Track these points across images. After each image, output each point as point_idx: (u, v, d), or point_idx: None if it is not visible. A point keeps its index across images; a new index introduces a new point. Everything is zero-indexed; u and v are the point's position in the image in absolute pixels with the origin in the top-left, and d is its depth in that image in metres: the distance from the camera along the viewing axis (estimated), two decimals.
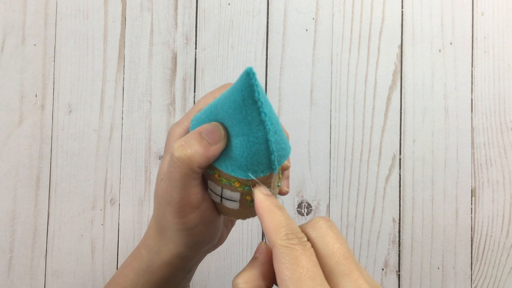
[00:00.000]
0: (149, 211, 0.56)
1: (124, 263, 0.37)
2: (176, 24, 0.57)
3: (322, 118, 0.57)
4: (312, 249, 0.24)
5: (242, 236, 0.56)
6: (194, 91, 0.57)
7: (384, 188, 0.56)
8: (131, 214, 0.56)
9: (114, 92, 0.57)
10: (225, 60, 0.57)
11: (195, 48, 0.57)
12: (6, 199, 0.56)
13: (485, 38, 0.57)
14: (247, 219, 0.35)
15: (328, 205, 0.56)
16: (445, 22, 0.57)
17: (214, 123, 0.29)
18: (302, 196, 0.56)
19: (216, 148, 0.28)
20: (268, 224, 0.26)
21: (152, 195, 0.56)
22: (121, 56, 0.57)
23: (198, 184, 0.30)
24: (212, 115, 0.29)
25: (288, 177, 0.34)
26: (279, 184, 0.32)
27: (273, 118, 0.27)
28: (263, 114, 0.26)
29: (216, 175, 0.30)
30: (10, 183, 0.56)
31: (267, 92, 0.57)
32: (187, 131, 0.32)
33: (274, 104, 0.57)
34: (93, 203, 0.56)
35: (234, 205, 0.31)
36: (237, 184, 0.29)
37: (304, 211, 0.56)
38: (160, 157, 0.56)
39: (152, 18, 0.57)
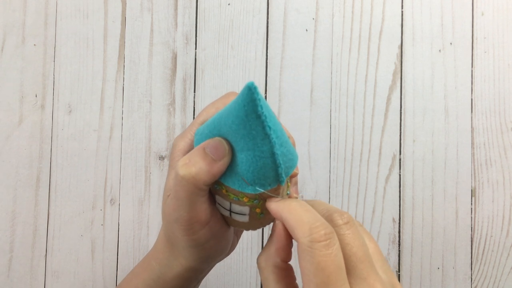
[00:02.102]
0: (149, 211, 0.56)
1: (132, 273, 0.36)
2: (176, 24, 0.57)
3: (322, 118, 0.57)
4: (338, 243, 0.24)
5: (242, 236, 0.56)
6: (194, 91, 0.57)
7: (384, 188, 0.56)
8: (131, 214, 0.56)
9: (114, 92, 0.57)
10: (225, 60, 0.57)
11: (195, 48, 0.57)
12: (6, 199, 0.56)
13: (485, 38, 0.57)
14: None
15: None
16: (445, 22, 0.57)
17: (217, 138, 0.28)
18: (302, 196, 0.56)
19: (221, 165, 0.28)
20: (290, 223, 0.25)
21: (152, 195, 0.56)
22: (121, 56, 0.57)
23: (205, 201, 0.29)
24: (216, 129, 0.29)
25: (296, 183, 0.34)
26: (288, 192, 0.31)
27: (278, 130, 0.27)
28: (267, 128, 0.26)
29: (224, 191, 0.30)
30: (10, 183, 0.56)
31: (267, 92, 0.57)
32: (190, 144, 0.32)
33: (274, 104, 0.57)
34: (93, 203, 0.56)
35: (244, 219, 0.31)
36: (245, 199, 0.29)
37: None
38: (160, 157, 0.56)
39: (152, 18, 0.57)
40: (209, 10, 0.58)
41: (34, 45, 0.57)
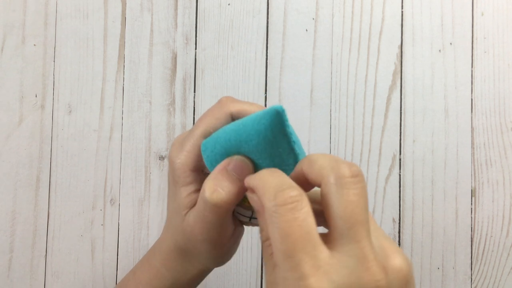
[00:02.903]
0: (149, 211, 0.56)
1: (137, 280, 0.36)
2: (176, 24, 0.57)
3: (322, 118, 0.57)
4: (308, 206, 0.22)
5: (242, 238, 0.56)
6: (194, 91, 0.57)
7: (384, 188, 0.56)
8: (131, 214, 0.56)
9: (114, 92, 0.57)
10: (225, 60, 0.57)
11: (195, 48, 0.57)
12: (6, 199, 0.56)
13: (485, 38, 0.57)
14: None
15: None
16: (445, 22, 0.57)
17: (240, 158, 0.28)
18: None
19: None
20: (256, 188, 0.24)
21: (152, 195, 0.56)
22: (121, 56, 0.57)
23: (231, 217, 0.30)
24: (233, 148, 0.28)
25: None
26: None
27: (297, 141, 0.28)
28: (292, 143, 0.27)
29: (247, 203, 0.31)
30: (10, 183, 0.56)
31: (267, 92, 0.57)
32: (192, 158, 0.30)
33: (274, 104, 0.57)
34: (93, 203, 0.56)
35: None
36: None
37: None
38: (160, 157, 0.56)
39: (152, 18, 0.57)
40: (209, 10, 0.58)
41: (34, 45, 0.57)
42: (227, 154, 0.29)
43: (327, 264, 0.21)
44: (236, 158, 0.28)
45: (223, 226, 0.29)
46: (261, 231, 0.25)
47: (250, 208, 0.31)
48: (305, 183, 0.25)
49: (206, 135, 0.30)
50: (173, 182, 0.31)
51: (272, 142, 0.27)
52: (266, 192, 0.23)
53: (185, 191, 0.30)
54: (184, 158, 0.30)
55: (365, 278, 0.21)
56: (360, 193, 0.22)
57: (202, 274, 0.34)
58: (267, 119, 0.26)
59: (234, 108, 0.31)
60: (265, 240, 0.24)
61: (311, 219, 0.22)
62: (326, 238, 0.23)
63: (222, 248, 0.31)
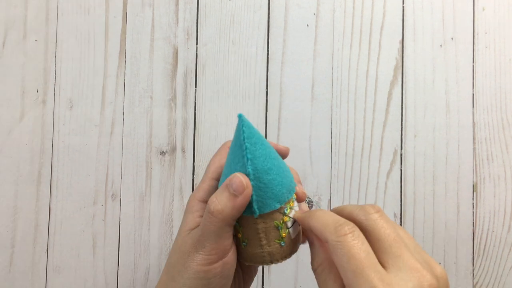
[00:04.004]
0: (150, 206, 0.56)
1: None
2: (177, 19, 0.57)
3: (323, 113, 0.57)
4: (362, 235, 0.27)
5: None
6: (195, 87, 0.57)
7: (386, 183, 0.56)
8: (132, 210, 0.56)
9: (115, 88, 0.57)
10: (226, 55, 0.57)
11: (196, 44, 0.57)
12: (7, 194, 0.56)
13: (486, 33, 0.57)
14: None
15: (330, 200, 0.56)
16: (446, 17, 0.57)
17: (235, 174, 0.31)
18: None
19: (242, 198, 0.31)
20: (315, 227, 0.29)
21: (153, 190, 0.56)
22: (122, 52, 0.57)
23: (229, 236, 0.32)
24: (227, 169, 0.33)
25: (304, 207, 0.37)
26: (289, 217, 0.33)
27: (259, 164, 0.30)
28: (244, 144, 0.30)
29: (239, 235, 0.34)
30: (12, 178, 0.56)
31: (268, 87, 0.57)
32: (203, 192, 0.35)
33: (275, 99, 0.57)
34: (94, 199, 0.56)
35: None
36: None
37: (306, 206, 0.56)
38: (161, 153, 0.56)
39: (153, 13, 0.58)
40: (210, 6, 0.58)
41: (36, 40, 0.57)
42: (229, 173, 0.32)
43: (388, 277, 0.25)
44: (233, 175, 0.31)
45: (217, 238, 0.31)
46: (313, 260, 0.30)
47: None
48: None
49: (216, 173, 0.36)
50: (184, 214, 0.36)
51: (236, 143, 0.31)
52: (327, 229, 0.28)
53: (192, 216, 0.34)
54: (195, 191, 0.36)
55: (424, 284, 0.25)
56: (386, 218, 0.29)
57: None
58: (237, 125, 0.31)
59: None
60: (317, 267, 0.29)
61: (367, 243, 0.27)
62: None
63: (211, 266, 0.32)
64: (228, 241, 0.32)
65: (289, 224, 0.32)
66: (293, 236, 0.33)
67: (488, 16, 0.57)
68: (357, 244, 0.26)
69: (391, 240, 0.27)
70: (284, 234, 0.32)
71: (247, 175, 0.30)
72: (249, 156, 0.30)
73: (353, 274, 0.25)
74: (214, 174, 0.36)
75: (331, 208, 0.56)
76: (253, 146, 0.30)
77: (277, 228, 0.32)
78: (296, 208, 0.34)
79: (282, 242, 0.32)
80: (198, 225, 0.33)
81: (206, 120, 0.57)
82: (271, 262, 0.33)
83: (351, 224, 0.28)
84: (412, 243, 0.29)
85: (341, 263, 0.26)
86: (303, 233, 0.34)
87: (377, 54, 0.57)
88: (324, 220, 0.29)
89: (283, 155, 0.37)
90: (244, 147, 0.30)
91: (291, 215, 0.32)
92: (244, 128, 0.30)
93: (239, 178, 0.31)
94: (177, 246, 0.34)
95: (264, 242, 0.32)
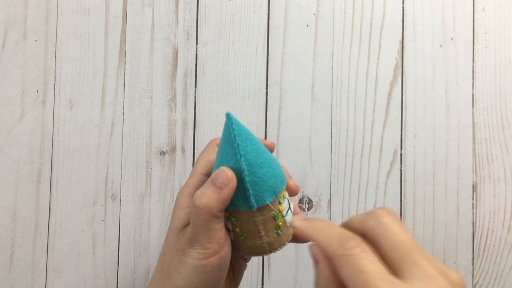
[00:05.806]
0: (150, 206, 0.56)
1: None
2: (177, 19, 0.57)
3: (323, 113, 0.57)
4: (369, 249, 0.26)
5: None
6: (195, 87, 0.57)
7: (385, 184, 0.56)
8: (132, 210, 0.56)
9: (115, 88, 0.57)
10: (226, 55, 0.57)
11: (196, 44, 0.57)
12: (7, 194, 0.56)
13: (486, 33, 0.57)
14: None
15: (330, 201, 0.56)
16: (446, 17, 0.57)
17: (221, 168, 0.32)
18: (303, 192, 0.56)
19: (227, 191, 0.31)
20: (319, 242, 0.28)
21: (153, 190, 0.56)
22: (122, 52, 0.57)
23: (221, 229, 0.32)
24: (218, 162, 0.33)
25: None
26: (287, 213, 0.34)
27: (252, 158, 0.31)
28: (238, 155, 0.30)
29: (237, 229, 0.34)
30: (11, 178, 0.56)
31: (268, 87, 0.57)
32: (192, 188, 0.35)
33: (275, 100, 0.57)
34: (94, 199, 0.56)
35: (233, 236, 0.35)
36: (226, 214, 0.33)
37: (305, 206, 0.56)
38: (161, 153, 0.56)
39: (153, 13, 0.58)
40: (210, 6, 0.58)
41: (35, 40, 0.57)
42: (217, 167, 0.33)
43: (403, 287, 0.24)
44: (219, 169, 0.32)
45: (208, 232, 0.32)
46: (319, 278, 0.29)
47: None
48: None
49: (205, 169, 0.36)
50: (174, 210, 0.36)
51: (226, 141, 0.31)
52: (331, 244, 0.27)
53: (182, 212, 0.34)
54: (184, 187, 0.36)
55: None
56: (399, 223, 0.27)
57: None
58: (225, 123, 0.32)
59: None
60: (324, 286, 0.28)
61: (375, 256, 0.26)
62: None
63: (208, 260, 0.32)
64: (221, 233, 0.32)
65: (284, 213, 0.33)
66: (288, 224, 0.34)
67: (488, 16, 0.57)
68: (365, 256, 0.25)
69: (406, 247, 0.26)
70: (280, 223, 0.33)
71: (242, 171, 0.31)
72: (242, 152, 0.31)
73: None
74: (203, 170, 0.36)
75: (331, 208, 0.56)
76: (244, 142, 0.31)
77: (274, 218, 0.33)
78: (289, 200, 0.35)
79: (279, 231, 0.33)
80: (189, 221, 0.34)
81: (206, 120, 0.57)
82: (270, 252, 0.34)
83: (357, 237, 0.27)
84: (422, 251, 0.28)
85: (349, 278, 0.25)
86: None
87: (377, 54, 0.57)
88: (328, 234, 0.28)
89: (270, 150, 0.38)
90: (236, 144, 0.31)
91: (285, 204, 0.33)
92: (233, 126, 0.31)
93: (225, 171, 0.31)
94: (170, 243, 0.34)
95: (263, 233, 0.33)
